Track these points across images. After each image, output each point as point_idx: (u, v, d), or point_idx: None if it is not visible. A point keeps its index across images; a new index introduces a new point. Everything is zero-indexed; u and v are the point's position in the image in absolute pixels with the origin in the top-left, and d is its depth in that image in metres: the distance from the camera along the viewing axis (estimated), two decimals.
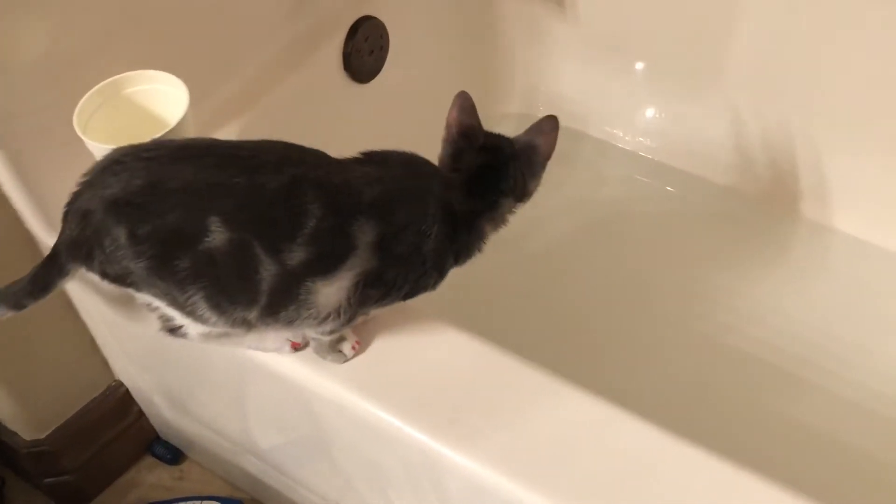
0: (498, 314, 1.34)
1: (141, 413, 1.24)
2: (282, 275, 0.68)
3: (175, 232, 0.66)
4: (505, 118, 1.61)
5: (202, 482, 1.27)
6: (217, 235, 0.65)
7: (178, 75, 0.86)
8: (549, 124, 0.81)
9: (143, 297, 0.72)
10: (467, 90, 1.54)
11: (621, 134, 1.56)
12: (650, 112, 1.51)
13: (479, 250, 0.78)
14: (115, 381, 1.19)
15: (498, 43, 1.51)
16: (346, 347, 0.80)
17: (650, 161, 1.53)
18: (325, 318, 0.72)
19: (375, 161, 0.75)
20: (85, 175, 0.69)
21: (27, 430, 1.13)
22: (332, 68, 1.19)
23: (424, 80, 1.41)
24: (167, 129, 0.80)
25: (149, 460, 1.29)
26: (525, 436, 0.76)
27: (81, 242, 0.68)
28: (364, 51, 1.22)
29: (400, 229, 0.71)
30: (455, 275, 0.79)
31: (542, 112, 1.60)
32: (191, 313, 0.70)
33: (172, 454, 1.28)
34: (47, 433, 1.14)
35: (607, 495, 0.72)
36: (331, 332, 0.76)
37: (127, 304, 0.89)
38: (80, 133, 0.80)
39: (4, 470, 1.25)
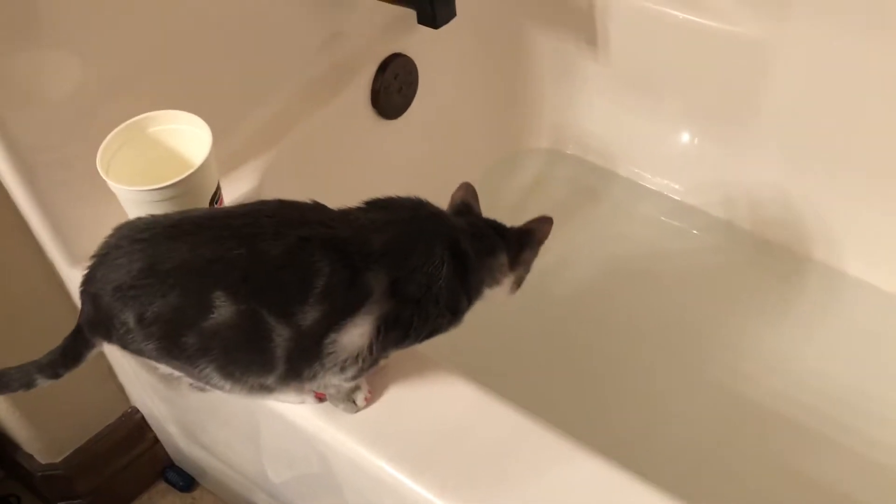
0: (516, 354, 1.33)
1: (156, 439, 1.25)
2: (297, 338, 0.68)
3: (179, 311, 0.66)
4: (533, 154, 1.61)
5: None
6: (223, 310, 0.66)
7: (204, 110, 0.87)
8: (545, 221, 0.85)
9: (164, 369, 0.72)
10: (495, 125, 1.56)
11: (649, 175, 1.54)
12: (679, 153, 1.49)
13: (480, 296, 0.78)
14: (130, 407, 1.20)
15: (527, 79, 1.50)
16: (360, 398, 0.79)
17: (677, 203, 1.52)
18: (349, 366, 0.72)
19: (380, 207, 0.76)
20: (92, 257, 0.70)
21: (42, 453, 1.14)
22: (360, 105, 1.20)
23: (452, 117, 1.41)
24: (191, 171, 0.80)
25: (162, 486, 1.29)
26: (530, 498, 0.74)
27: (98, 323, 0.70)
28: (393, 88, 1.22)
29: (411, 271, 0.71)
30: (477, 314, 0.79)
31: (570, 149, 1.60)
32: (207, 383, 0.71)
33: (185, 481, 1.28)
34: (62, 457, 1.14)
35: None
36: (353, 378, 0.75)
37: None
38: (102, 174, 0.81)
39: (21, 489, 1.26)
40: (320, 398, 0.80)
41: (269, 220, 0.69)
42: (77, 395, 1.11)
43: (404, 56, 1.21)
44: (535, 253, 0.83)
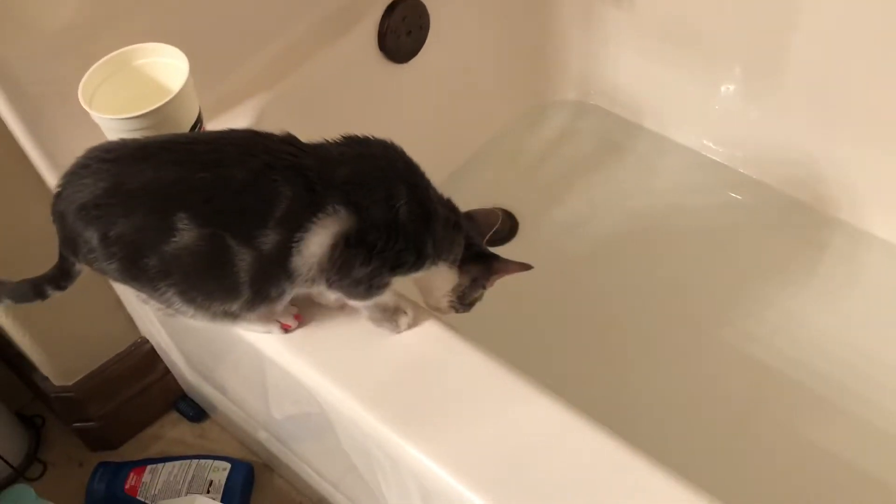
0: (531, 311, 1.32)
1: (167, 370, 1.29)
2: (259, 261, 0.69)
3: (141, 231, 0.67)
4: (559, 105, 1.58)
5: (221, 442, 1.32)
6: (185, 233, 0.66)
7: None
8: (521, 265, 0.84)
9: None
10: (517, 75, 1.54)
11: (678, 129, 1.49)
12: (706, 107, 1.44)
13: (441, 260, 0.78)
14: (140, 337, 1.24)
15: (551, 28, 1.47)
16: (403, 322, 0.81)
17: (703, 158, 1.47)
18: (312, 279, 0.72)
19: (353, 142, 0.75)
20: (61, 178, 0.71)
21: (55, 376, 1.19)
22: (366, 47, 1.19)
23: (469, 64, 1.39)
24: (165, 100, 0.82)
25: (174, 416, 1.34)
26: (486, 437, 0.74)
27: (66, 241, 0.71)
28: (401, 30, 1.21)
29: (375, 201, 0.71)
30: None
31: (596, 101, 1.55)
32: (168, 307, 0.73)
33: (195, 412, 1.33)
34: (74, 381, 1.20)
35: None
36: (364, 300, 0.77)
37: None
38: (84, 105, 0.82)
39: (45, 410, 1.34)
40: (286, 328, 0.82)
41: (235, 146, 0.70)
42: (87, 323, 1.16)
43: None
44: (484, 275, 0.83)
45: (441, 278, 0.81)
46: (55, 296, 0.76)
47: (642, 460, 0.71)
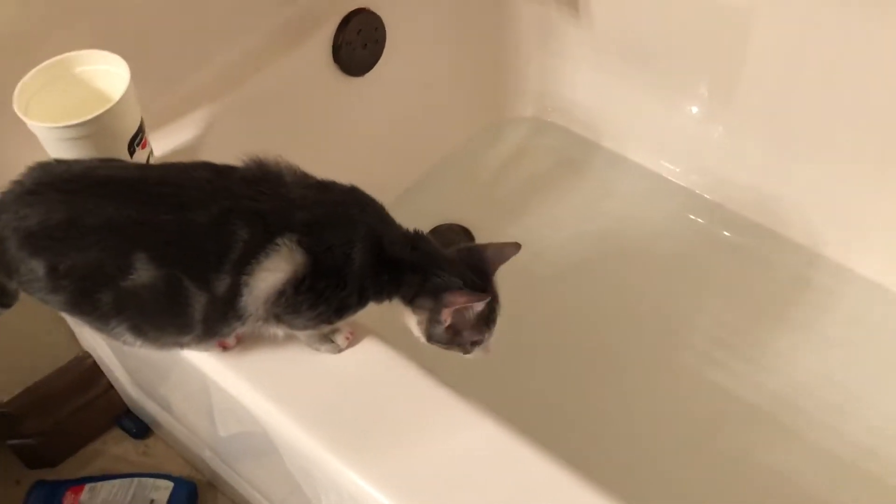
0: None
1: (110, 385, 1.26)
2: (213, 302, 0.68)
3: (96, 268, 0.66)
4: (517, 122, 1.58)
5: (164, 459, 1.28)
6: (143, 272, 0.66)
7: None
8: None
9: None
10: (474, 92, 1.54)
11: (635, 148, 1.49)
12: (664, 128, 1.44)
13: (390, 299, 0.76)
14: (82, 352, 1.21)
15: (509, 44, 1.47)
16: (340, 338, 0.80)
17: (660, 178, 1.47)
18: (261, 318, 0.71)
19: (314, 187, 0.74)
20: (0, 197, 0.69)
21: None
22: (320, 59, 1.17)
23: (427, 79, 1.38)
24: (104, 109, 0.79)
25: (117, 432, 1.30)
26: (424, 462, 0.73)
27: (3, 265, 0.69)
28: (357, 43, 1.19)
29: (328, 248, 0.70)
30: None
31: (554, 118, 1.56)
32: (115, 339, 0.72)
33: (139, 429, 1.29)
34: (10, 396, 1.16)
35: None
36: (305, 329, 0.76)
37: None
38: (19, 112, 0.80)
39: None
40: (225, 347, 0.80)
41: (199, 190, 0.70)
42: (24, 336, 1.12)
43: (369, 11, 1.19)
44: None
45: (404, 316, 0.78)
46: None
47: (588, 486, 0.70)
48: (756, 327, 1.29)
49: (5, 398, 1.16)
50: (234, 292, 0.68)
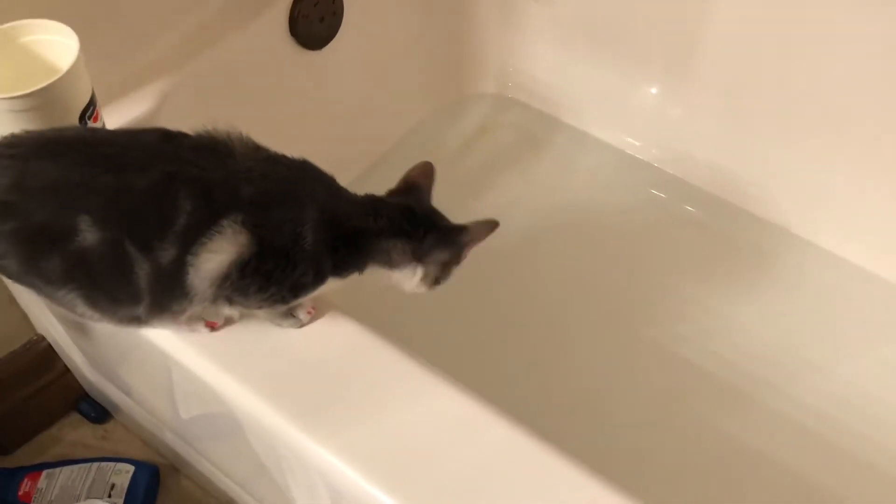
0: (440, 300, 1.29)
1: (66, 369, 1.23)
2: (158, 272, 0.66)
3: (42, 230, 0.65)
4: (478, 98, 1.57)
5: (124, 443, 1.26)
6: (88, 235, 0.64)
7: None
8: (489, 225, 0.80)
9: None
10: (434, 68, 1.52)
11: (596, 124, 1.50)
12: (626, 104, 1.45)
13: (360, 271, 0.75)
14: (36, 335, 1.18)
15: (470, 20, 1.46)
16: (301, 313, 0.78)
17: (621, 153, 1.48)
18: (209, 299, 0.70)
19: (262, 160, 0.72)
20: None
21: None
22: (277, 32, 1.15)
23: (386, 54, 1.37)
24: (52, 79, 0.77)
25: (74, 417, 1.28)
26: (387, 431, 0.72)
27: None
28: (313, 15, 1.17)
29: (276, 225, 0.69)
30: None
31: (515, 94, 1.55)
32: (71, 310, 0.70)
33: (97, 413, 1.27)
34: None
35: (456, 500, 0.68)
36: (260, 309, 0.75)
37: None
38: None
39: None
40: (212, 327, 0.78)
41: (143, 151, 0.68)
42: None
43: None
44: (454, 254, 0.79)
45: (400, 280, 0.79)
46: None
47: (554, 453, 0.70)
48: (717, 300, 1.31)
49: None
50: (180, 267, 0.66)
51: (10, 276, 0.69)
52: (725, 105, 1.34)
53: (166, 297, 0.69)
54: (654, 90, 1.41)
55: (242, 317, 0.78)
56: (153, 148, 0.69)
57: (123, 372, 1.12)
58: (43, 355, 1.19)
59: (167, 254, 0.66)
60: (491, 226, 0.80)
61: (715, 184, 1.40)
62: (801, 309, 1.29)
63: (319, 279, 0.73)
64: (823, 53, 1.19)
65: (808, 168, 1.30)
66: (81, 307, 0.69)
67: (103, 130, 0.74)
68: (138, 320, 0.71)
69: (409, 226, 0.76)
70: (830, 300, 1.31)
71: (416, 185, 0.81)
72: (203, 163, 0.68)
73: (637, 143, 1.47)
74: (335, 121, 1.32)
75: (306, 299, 0.77)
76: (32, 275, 0.67)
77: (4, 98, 0.76)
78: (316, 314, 0.79)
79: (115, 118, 0.94)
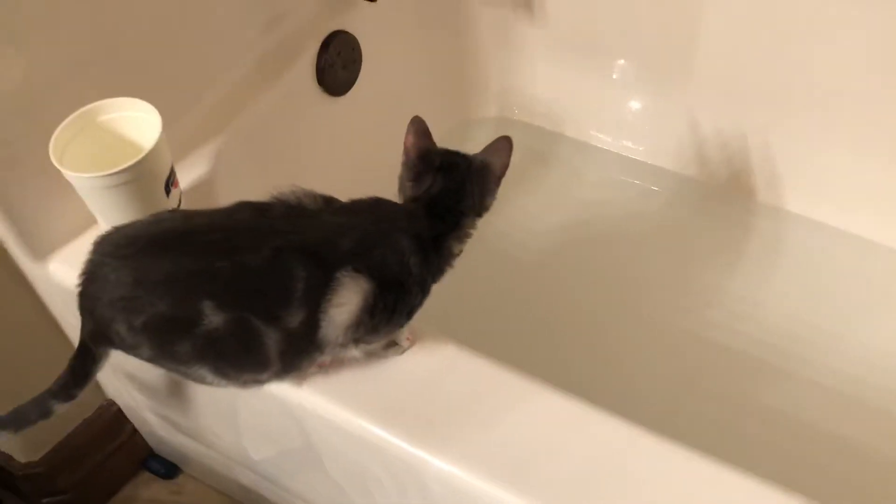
0: (480, 317, 1.36)
1: (134, 430, 1.26)
2: (287, 338, 0.72)
3: (169, 320, 0.70)
4: (482, 122, 1.64)
5: (198, 495, 1.29)
6: (213, 318, 0.70)
7: (151, 98, 0.88)
8: (503, 144, 0.83)
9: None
10: (442, 97, 1.59)
11: (597, 133, 1.58)
12: (624, 111, 1.53)
13: (451, 266, 0.82)
14: (106, 400, 1.21)
15: (470, 49, 1.53)
16: (403, 340, 0.84)
17: (626, 159, 1.56)
18: (341, 345, 0.76)
19: (344, 211, 0.78)
20: (80, 276, 0.73)
21: (21, 452, 1.15)
22: (306, 83, 1.21)
23: (399, 90, 1.43)
24: (141, 155, 0.82)
25: (145, 476, 1.31)
26: (501, 438, 0.78)
27: (99, 335, 0.74)
28: (337, 64, 1.24)
29: (383, 264, 0.75)
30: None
31: (517, 115, 1.63)
32: (200, 382, 0.76)
33: (167, 469, 1.30)
34: (41, 455, 1.15)
35: (580, 494, 0.74)
36: (370, 343, 0.79)
37: None
38: (56, 163, 0.82)
39: (3, 492, 1.27)
40: (319, 366, 0.82)
41: (245, 232, 0.73)
42: None
43: (346, 32, 1.23)
44: (496, 190, 0.84)
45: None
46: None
47: (662, 442, 0.76)
48: (736, 283, 1.39)
49: (36, 457, 1.15)
50: (310, 328, 0.72)
51: (143, 360, 0.75)
52: (720, 101, 1.42)
53: (297, 357, 0.75)
54: (646, 94, 1.50)
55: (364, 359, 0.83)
56: (252, 226, 0.74)
57: (196, 418, 1.15)
58: (113, 419, 1.22)
59: (294, 319, 0.71)
60: (505, 147, 0.83)
61: (713, 174, 1.49)
62: (814, 283, 1.38)
63: (426, 294, 0.79)
64: (814, 58, 1.28)
65: (804, 150, 1.39)
66: (210, 378, 0.75)
67: (197, 216, 0.77)
68: (262, 382, 0.78)
69: (465, 204, 0.81)
70: (837, 272, 1.39)
71: (427, 151, 0.83)
72: (298, 229, 0.74)
73: (638, 147, 1.55)
74: (358, 156, 1.37)
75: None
76: (165, 359, 0.74)
77: (102, 175, 0.81)
78: (413, 338, 0.85)
79: (183, 179, 0.99)
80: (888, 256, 1.39)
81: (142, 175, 0.83)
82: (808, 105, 1.34)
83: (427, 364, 0.84)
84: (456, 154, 0.84)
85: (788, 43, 1.30)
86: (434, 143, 0.84)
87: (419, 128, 0.84)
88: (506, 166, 0.83)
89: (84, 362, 0.76)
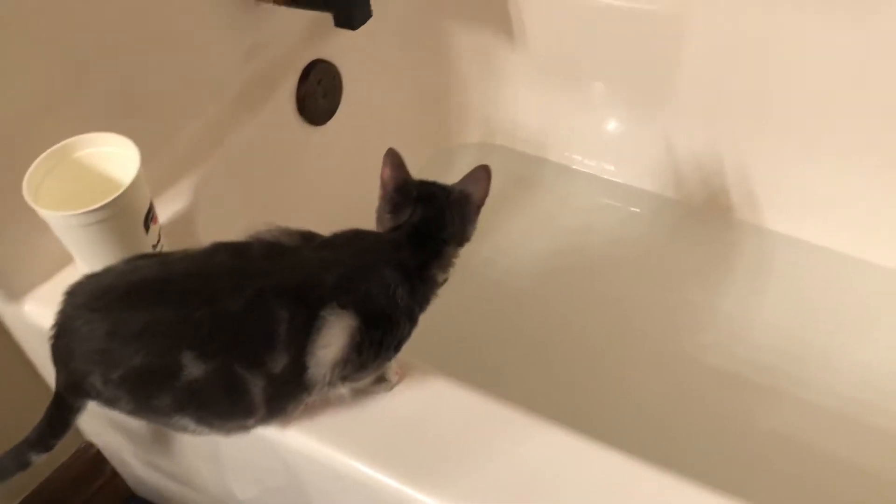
0: (468, 346, 1.34)
1: (114, 472, 1.22)
2: (273, 382, 0.70)
3: (147, 373, 0.68)
4: (465, 148, 1.63)
5: None
6: (194, 368, 0.67)
7: (128, 132, 0.86)
8: (482, 173, 0.82)
9: None
10: (423, 123, 1.58)
11: (580, 157, 1.58)
12: (606, 134, 1.53)
13: (436, 294, 0.80)
14: (84, 442, 1.17)
15: (451, 76, 1.53)
16: (391, 375, 0.81)
17: (609, 182, 1.56)
18: (328, 384, 0.73)
19: (325, 246, 0.76)
20: (53, 326, 0.71)
21: None
22: (286, 113, 1.20)
23: (381, 117, 1.42)
24: (119, 192, 0.79)
25: None
26: (494, 474, 0.76)
27: (75, 386, 0.71)
28: (318, 93, 1.22)
29: (368, 298, 0.73)
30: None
31: (500, 140, 1.62)
32: (181, 431, 0.74)
33: None
34: (17, 501, 1.11)
35: None
36: (359, 380, 0.77)
37: None
38: (30, 202, 0.79)
39: None
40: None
41: (223, 276, 0.71)
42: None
43: (325, 61, 1.22)
44: (476, 219, 0.83)
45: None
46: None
47: (662, 475, 0.75)
48: (725, 304, 1.38)
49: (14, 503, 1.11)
50: (296, 370, 0.70)
51: (122, 412, 0.72)
52: (700, 122, 1.43)
53: (284, 401, 0.73)
54: (629, 118, 1.50)
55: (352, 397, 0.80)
56: (230, 269, 0.72)
57: (179, 459, 1.12)
58: (93, 461, 1.18)
59: (279, 363, 0.69)
60: (484, 176, 0.82)
61: (699, 197, 1.49)
62: (801, 302, 1.37)
63: (415, 324, 0.77)
64: (793, 77, 1.30)
65: (785, 169, 1.39)
66: (193, 427, 0.72)
67: (173, 262, 0.74)
68: (248, 428, 0.75)
69: (447, 232, 0.80)
70: (824, 290, 1.39)
71: (404, 182, 0.82)
72: (278, 269, 0.72)
73: (621, 170, 1.55)
74: (340, 184, 1.36)
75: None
76: (145, 412, 0.71)
77: (78, 214, 0.78)
78: (402, 373, 0.83)
79: (162, 214, 0.97)
80: (872, 272, 1.39)
81: (120, 212, 0.81)
82: (788, 125, 1.35)
83: (416, 399, 0.82)
84: (433, 184, 0.83)
85: (766, 64, 1.31)
86: (410, 175, 0.83)
87: (395, 160, 0.83)
88: (485, 195, 0.83)
89: (61, 412, 0.74)
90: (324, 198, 1.29)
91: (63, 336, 0.70)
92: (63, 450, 1.15)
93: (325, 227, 0.81)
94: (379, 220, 0.82)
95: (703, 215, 1.49)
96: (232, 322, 0.68)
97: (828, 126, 1.31)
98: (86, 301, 0.70)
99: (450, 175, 1.66)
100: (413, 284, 0.76)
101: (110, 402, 0.71)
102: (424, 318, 0.80)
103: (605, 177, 1.57)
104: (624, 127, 1.51)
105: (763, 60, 1.30)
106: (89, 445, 1.18)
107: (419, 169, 1.55)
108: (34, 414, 1.05)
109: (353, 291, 0.72)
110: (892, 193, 1.32)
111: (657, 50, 1.38)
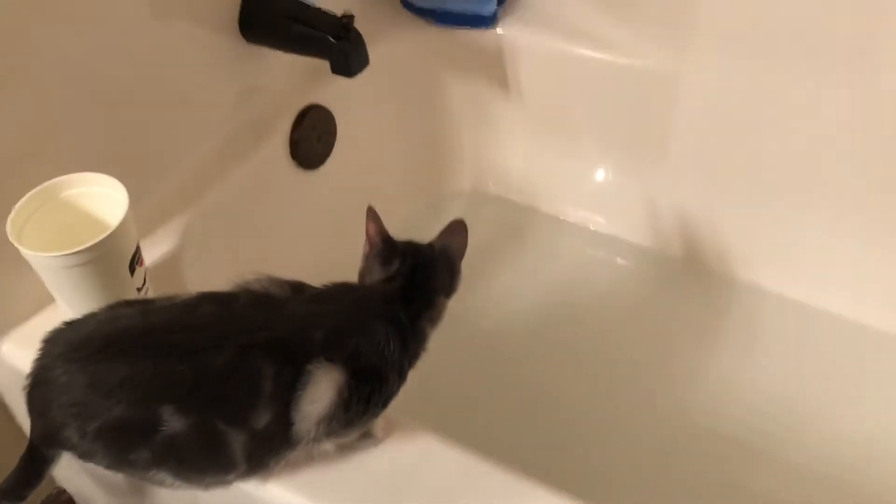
0: (457, 400, 1.32)
1: None
2: (255, 438, 0.68)
3: (124, 426, 0.66)
4: (457, 196, 1.62)
5: None
6: (173, 423, 0.65)
7: (120, 172, 0.84)
8: (458, 226, 0.83)
9: None
10: (416, 170, 1.58)
11: (571, 209, 1.57)
12: (597, 187, 1.53)
13: (425, 350, 0.79)
14: (56, 488, 1.14)
15: (445, 125, 1.53)
16: (378, 430, 0.79)
17: (600, 235, 1.55)
18: (313, 440, 0.71)
19: (315, 299, 0.75)
20: (29, 375, 0.69)
21: None
22: (279, 157, 1.19)
23: (373, 164, 1.42)
24: (106, 234, 0.78)
25: None
26: None
27: (50, 437, 0.69)
28: (311, 138, 1.22)
29: (358, 353, 0.71)
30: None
31: (492, 189, 1.62)
32: (159, 485, 0.72)
33: None
34: None
35: None
36: (343, 438, 0.76)
37: None
38: (14, 241, 0.77)
39: None
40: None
41: (211, 329, 0.69)
42: None
43: (320, 106, 1.22)
44: (460, 272, 0.84)
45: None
46: None
47: None
48: (714, 362, 1.37)
49: None
50: (280, 426, 0.68)
51: (98, 466, 0.70)
52: (693, 179, 1.43)
53: (266, 457, 0.70)
54: (621, 172, 1.50)
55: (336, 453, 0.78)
56: (216, 321, 0.70)
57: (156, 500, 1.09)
58: None
59: (262, 420, 0.67)
60: (461, 230, 0.83)
61: (690, 252, 1.49)
62: (792, 362, 1.36)
63: (403, 381, 0.76)
64: (781, 136, 1.30)
65: (775, 228, 1.40)
66: (170, 481, 0.70)
67: (156, 311, 0.72)
68: (227, 483, 0.73)
69: (437, 282, 0.80)
70: (815, 351, 1.38)
71: (387, 241, 0.82)
72: (265, 321, 0.70)
73: (612, 223, 1.55)
74: (332, 230, 1.34)
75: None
76: (122, 466, 0.69)
77: (62, 255, 0.76)
78: (389, 428, 0.80)
79: (148, 256, 0.95)
80: (864, 335, 1.38)
81: (106, 254, 0.79)
82: (778, 184, 1.35)
83: (403, 455, 0.80)
84: (414, 242, 0.83)
85: (758, 123, 1.32)
86: (385, 230, 0.84)
87: (376, 216, 0.84)
88: (464, 247, 0.83)
89: (35, 464, 0.71)
90: (315, 242, 1.28)
91: (39, 386, 0.68)
92: (34, 496, 1.11)
93: (315, 272, 0.80)
94: (365, 273, 0.81)
95: (694, 270, 1.49)
96: (214, 377, 0.66)
97: (818, 186, 1.31)
98: (64, 351, 0.68)
99: (440, 222, 1.66)
100: (405, 338, 0.75)
101: (86, 456, 0.68)
102: (412, 371, 0.78)
103: (597, 229, 1.56)
104: (615, 180, 1.52)
105: (754, 120, 1.31)
106: (61, 491, 1.14)
107: (410, 214, 1.57)
108: (8, 459, 1.02)
109: (343, 346, 0.71)
110: (883, 255, 1.32)
111: (649, 106, 1.38)
